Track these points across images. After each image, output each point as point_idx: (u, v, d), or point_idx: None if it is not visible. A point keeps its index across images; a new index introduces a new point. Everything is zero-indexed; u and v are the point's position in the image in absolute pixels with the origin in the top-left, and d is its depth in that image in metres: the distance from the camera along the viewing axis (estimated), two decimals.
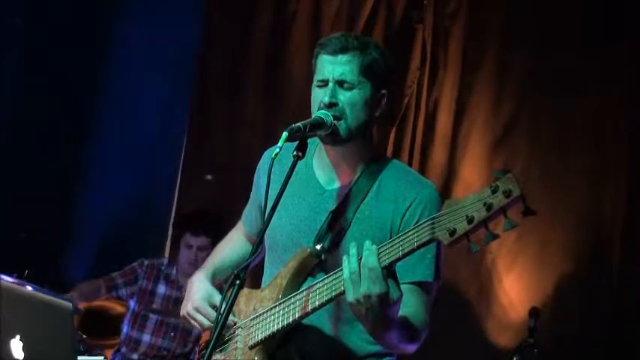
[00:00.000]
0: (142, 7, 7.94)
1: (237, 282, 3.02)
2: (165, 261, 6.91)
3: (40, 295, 3.33)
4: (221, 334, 3.06)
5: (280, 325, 3.36)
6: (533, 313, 6.03)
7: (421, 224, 3.02)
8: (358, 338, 3.49)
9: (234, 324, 3.61)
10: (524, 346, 5.84)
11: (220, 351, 3.64)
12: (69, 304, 2.95)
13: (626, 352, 6.35)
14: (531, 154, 6.91)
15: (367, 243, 3.09)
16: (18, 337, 3.02)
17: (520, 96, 7.06)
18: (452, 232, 2.89)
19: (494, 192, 2.83)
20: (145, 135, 7.84)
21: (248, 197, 3.91)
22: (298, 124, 3.26)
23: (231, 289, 3.03)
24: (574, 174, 6.67)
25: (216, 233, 6.21)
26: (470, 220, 2.87)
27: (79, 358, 3.03)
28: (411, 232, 3.04)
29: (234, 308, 3.52)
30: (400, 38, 7.32)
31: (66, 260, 7.64)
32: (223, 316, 3.01)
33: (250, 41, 7.81)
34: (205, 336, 3.78)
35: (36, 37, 7.32)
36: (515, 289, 6.81)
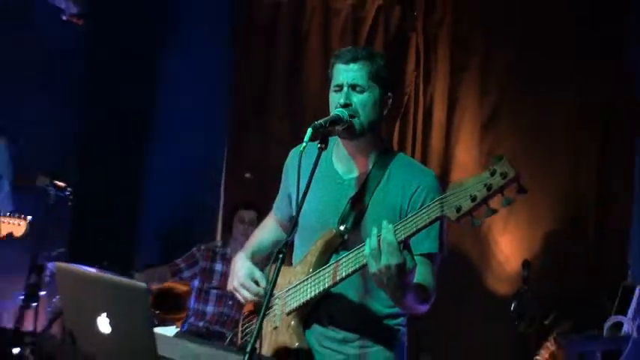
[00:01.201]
0: (189, 39, 8.03)
1: (281, 255, 3.05)
2: (219, 243, 6.99)
3: (119, 279, 3.38)
4: (270, 300, 3.10)
5: (312, 294, 3.43)
6: (526, 265, 6.08)
7: (431, 204, 3.09)
8: (378, 303, 3.54)
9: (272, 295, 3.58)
10: (520, 292, 5.87)
11: (267, 315, 3.61)
12: (144, 286, 3.00)
13: (602, 288, 6.36)
14: (514, 137, 6.98)
15: (385, 223, 3.13)
16: (104, 314, 3.03)
17: (501, 89, 7.10)
18: (458, 210, 2.96)
19: (492, 174, 2.91)
20: (194, 142, 7.89)
21: (277, 191, 3.93)
22: (320, 120, 3.32)
23: (276, 263, 3.07)
24: (553, 153, 6.74)
25: (260, 208, 6.37)
26: (473, 199, 2.94)
27: (154, 329, 3.14)
28: (423, 211, 3.10)
29: (281, 278, 3.58)
30: (397, 46, 7.35)
31: (136, 250, 7.76)
32: (272, 283, 3.06)
33: (272, 60, 7.87)
34: (247, 307, 3.84)
35: (102, 59, 7.40)
36: (509, 248, 6.88)
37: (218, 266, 6.75)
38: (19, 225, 3.85)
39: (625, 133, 6.65)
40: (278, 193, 4.00)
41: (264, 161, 7.54)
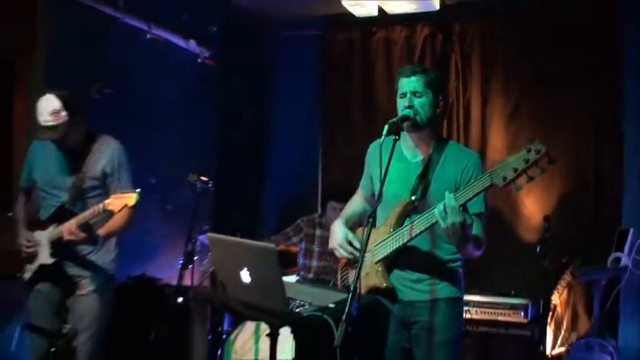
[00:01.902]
0: (290, 72, 7.99)
1: (371, 219, 3.16)
2: (317, 214, 6.99)
3: (255, 243, 3.40)
4: (364, 255, 3.11)
5: (394, 247, 3.52)
6: (546, 219, 5.78)
7: (483, 176, 3.21)
8: (442, 252, 3.60)
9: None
10: (543, 239, 5.62)
11: (355, 267, 3.63)
12: (273, 247, 3.08)
13: (603, 233, 6.41)
14: (531, 126, 6.93)
15: (447, 193, 3.22)
16: (245, 269, 3.15)
17: (520, 92, 7.09)
18: (504, 179, 3.09)
19: (528, 151, 3.05)
20: (297, 144, 7.94)
21: (358, 180, 3.98)
22: (393, 119, 3.39)
23: (367, 225, 3.15)
24: (561, 136, 6.68)
25: (345, 198, 6.57)
26: (515, 170, 3.07)
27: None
28: (477, 182, 3.22)
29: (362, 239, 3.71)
30: (442, 62, 7.33)
31: (259, 224, 7.79)
32: (365, 240, 3.12)
33: (350, 81, 7.85)
34: (342, 260, 3.87)
35: (228, 90, 7.41)
36: (533, 206, 6.91)
37: (317, 232, 6.75)
38: (129, 197, 3.95)
39: (613, 119, 6.64)
40: (362, 177, 4.02)
41: (347, 158, 7.54)
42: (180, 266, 5.81)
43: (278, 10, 7.68)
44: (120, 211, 3.95)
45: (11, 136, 5.33)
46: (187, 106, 6.82)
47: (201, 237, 6.03)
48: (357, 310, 2.89)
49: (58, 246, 4.12)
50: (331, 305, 3.07)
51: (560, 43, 6.84)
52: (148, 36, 6.08)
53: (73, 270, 4.25)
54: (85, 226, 4.04)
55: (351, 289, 2.93)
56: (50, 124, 4.08)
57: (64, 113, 4.09)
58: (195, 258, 5.98)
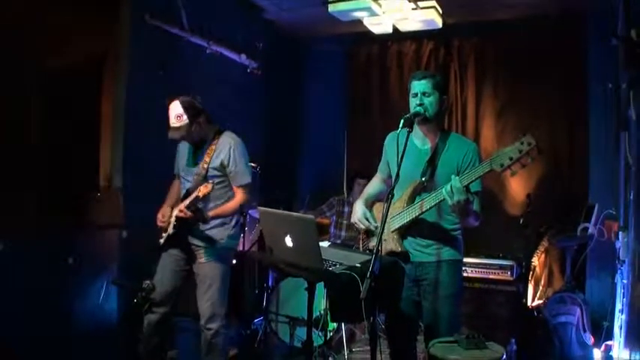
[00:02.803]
0: (321, 76, 8.05)
1: (390, 196, 3.16)
2: (345, 195, 7.01)
3: (297, 214, 3.37)
4: (384, 227, 3.09)
5: (408, 219, 3.53)
6: (528, 196, 6.06)
7: (484, 163, 3.19)
8: (446, 222, 3.61)
9: (376, 228, 3.66)
10: (525, 213, 5.83)
11: (374, 236, 3.73)
12: (312, 217, 3.06)
13: (570, 206, 6.46)
14: (516, 120, 7.00)
15: (453, 176, 3.24)
16: (289, 235, 3.14)
17: (507, 92, 7.13)
18: (502, 165, 3.10)
19: (521, 144, 3.06)
20: (326, 137, 7.98)
21: (377, 163, 3.98)
22: (406, 115, 3.40)
23: (387, 201, 3.15)
24: (540, 126, 6.70)
25: (369, 178, 6.53)
26: (510, 159, 3.08)
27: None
28: (478, 167, 3.22)
29: (379, 214, 3.76)
30: (443, 70, 7.32)
31: (296, 201, 7.76)
32: (385, 213, 3.10)
33: (370, 84, 7.86)
34: (362, 232, 3.87)
35: (272, 94, 7.45)
36: (518, 185, 6.91)
37: (346, 209, 6.75)
38: (206, 187, 3.98)
39: (581, 115, 6.63)
40: (380, 162, 4.00)
41: (367, 144, 7.34)
42: None
43: (311, 30, 7.71)
44: (200, 197, 3.96)
45: (99, 133, 5.34)
46: (239, 107, 6.84)
47: (251, 211, 6.02)
48: (379, 268, 2.90)
49: (179, 221, 4.13)
50: (357, 265, 3.07)
51: (536, 54, 6.87)
52: (208, 51, 6.10)
53: (193, 241, 4.26)
54: (194, 208, 4.05)
55: (374, 252, 2.92)
56: (175, 125, 4.12)
57: (185, 117, 4.11)
58: (246, 229, 5.98)
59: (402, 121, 3.31)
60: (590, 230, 5.83)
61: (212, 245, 4.25)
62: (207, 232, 4.24)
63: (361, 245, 3.92)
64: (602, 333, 5.26)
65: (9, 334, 3.98)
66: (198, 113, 4.17)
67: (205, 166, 4.18)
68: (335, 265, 3.14)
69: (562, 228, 6.19)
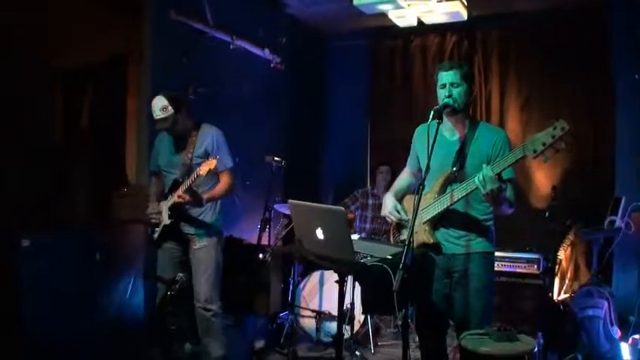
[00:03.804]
0: (344, 70, 8.05)
1: (421, 187, 3.09)
2: (369, 187, 6.98)
3: (327, 206, 3.37)
4: (415, 218, 3.04)
5: (439, 210, 3.50)
6: (553, 188, 5.72)
7: (516, 149, 3.16)
8: (477, 212, 3.57)
9: (407, 220, 3.64)
10: (551, 205, 5.59)
11: (406, 228, 3.71)
12: (342, 209, 3.04)
13: (596, 199, 6.41)
14: (539, 113, 6.94)
15: (484, 165, 3.21)
16: (319, 227, 3.13)
17: (530, 85, 7.08)
18: (535, 151, 3.05)
19: (554, 129, 3.03)
20: (349, 130, 7.97)
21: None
22: (436, 107, 3.34)
23: (418, 191, 3.08)
24: (567, 119, 6.33)
25: (389, 163, 6.54)
26: (543, 144, 3.04)
27: None
28: (510, 154, 3.19)
29: (409, 206, 3.69)
30: (467, 62, 6.95)
31: (320, 194, 7.84)
32: (417, 204, 3.04)
33: (393, 78, 7.84)
34: (393, 224, 3.84)
35: (294, 89, 7.43)
36: (543, 177, 6.86)
37: (370, 201, 6.74)
38: (212, 162, 4.08)
39: (606, 107, 6.55)
40: (408, 155, 3.97)
41: (390, 138, 7.55)
42: (258, 229, 5.86)
43: (334, 24, 7.72)
44: (207, 174, 4.10)
45: (125, 129, 5.40)
46: (263, 101, 6.88)
47: (275, 205, 6.02)
48: (411, 260, 2.87)
49: (174, 210, 4.38)
50: (389, 257, 3.04)
51: (560, 47, 6.82)
52: (232, 46, 6.12)
53: (187, 229, 4.49)
54: (190, 191, 4.26)
55: (406, 243, 2.89)
56: (161, 116, 4.37)
57: (170, 107, 4.35)
58: (271, 223, 6.02)
59: (431, 112, 3.25)
60: (617, 223, 5.76)
61: (204, 230, 4.49)
62: (199, 218, 4.49)
63: (392, 238, 3.90)
64: (630, 327, 5.21)
65: (37, 330, 4.02)
66: (181, 105, 4.40)
67: (190, 155, 4.40)
68: (366, 257, 3.13)
69: (588, 221, 6.07)
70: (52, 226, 4.50)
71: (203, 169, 4.07)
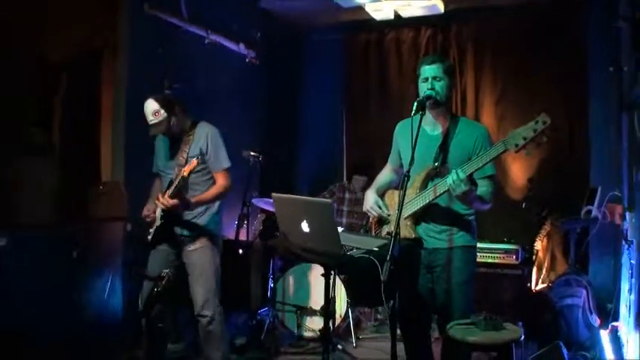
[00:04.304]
0: (319, 65, 8.00)
1: (406, 178, 3.08)
2: (345, 182, 6.94)
3: (312, 199, 3.37)
4: (401, 210, 3.01)
5: (421, 205, 3.49)
6: (529, 180, 6.09)
7: (497, 143, 3.19)
8: (459, 207, 3.56)
9: (389, 215, 3.67)
10: (527, 196, 5.85)
11: (387, 224, 3.72)
12: (329, 201, 3.04)
13: (571, 190, 6.43)
14: (514, 107, 6.99)
15: (454, 170, 3.25)
16: (305, 220, 3.08)
17: (504, 79, 7.11)
18: (516, 145, 3.09)
19: (536, 123, 3.07)
20: (325, 124, 7.94)
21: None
22: (419, 98, 3.36)
23: (404, 183, 3.06)
24: (542, 111, 6.58)
25: (368, 175, 6.32)
26: (524, 138, 3.07)
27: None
28: (492, 149, 3.23)
29: (391, 202, 3.72)
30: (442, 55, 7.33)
31: (295, 188, 7.77)
32: (402, 198, 3.01)
33: (368, 73, 7.82)
34: (373, 218, 3.81)
35: (269, 84, 7.43)
36: (519, 170, 6.89)
37: (347, 195, 6.70)
38: (190, 165, 3.98)
39: (580, 100, 6.60)
40: (389, 153, 3.96)
41: (366, 131, 7.55)
42: (236, 225, 5.81)
43: (308, 18, 7.68)
44: (186, 176, 3.94)
45: (99, 123, 5.31)
46: (238, 97, 6.83)
47: (253, 200, 5.97)
48: (398, 252, 2.85)
49: (166, 211, 4.15)
50: (375, 248, 3.02)
51: (535, 42, 6.84)
52: (207, 41, 6.08)
53: (180, 231, 4.27)
54: (177, 196, 4.04)
55: (392, 235, 2.88)
56: (154, 121, 4.16)
57: (162, 111, 4.15)
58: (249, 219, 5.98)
59: (415, 104, 3.25)
60: (593, 213, 5.76)
61: (199, 233, 4.28)
62: (192, 220, 4.27)
63: (373, 233, 3.88)
64: (610, 315, 5.23)
65: (14, 328, 3.94)
66: (173, 106, 4.21)
67: (185, 155, 4.21)
68: (351, 249, 3.12)
69: (564, 212, 6.11)
70: (27, 225, 4.38)
71: (185, 171, 3.93)
